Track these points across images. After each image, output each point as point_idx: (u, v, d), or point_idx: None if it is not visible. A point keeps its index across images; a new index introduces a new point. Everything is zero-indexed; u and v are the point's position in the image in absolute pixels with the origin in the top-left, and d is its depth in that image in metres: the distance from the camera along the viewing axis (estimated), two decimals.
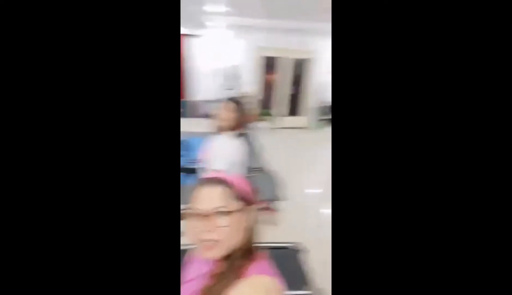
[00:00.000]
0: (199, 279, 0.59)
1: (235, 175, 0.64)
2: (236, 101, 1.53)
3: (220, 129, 1.56)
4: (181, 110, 5.32)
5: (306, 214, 2.79)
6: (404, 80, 0.36)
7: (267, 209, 2.58)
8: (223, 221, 0.55)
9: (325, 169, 4.14)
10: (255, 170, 2.71)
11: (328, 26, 3.44)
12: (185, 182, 1.56)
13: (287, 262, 1.84)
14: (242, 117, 1.51)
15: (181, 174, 1.96)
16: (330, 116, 6.55)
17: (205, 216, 0.54)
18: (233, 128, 1.51)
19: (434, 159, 0.36)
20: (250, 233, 0.61)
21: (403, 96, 0.37)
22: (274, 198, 2.67)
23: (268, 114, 5.99)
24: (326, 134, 6.05)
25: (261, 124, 5.94)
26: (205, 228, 0.54)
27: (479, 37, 0.34)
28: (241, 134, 1.52)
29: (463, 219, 0.35)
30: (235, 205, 0.57)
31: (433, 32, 0.35)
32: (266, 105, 6.09)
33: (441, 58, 0.35)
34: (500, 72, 0.33)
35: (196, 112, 5.54)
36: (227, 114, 1.50)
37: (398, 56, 0.36)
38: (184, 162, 2.24)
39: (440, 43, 0.35)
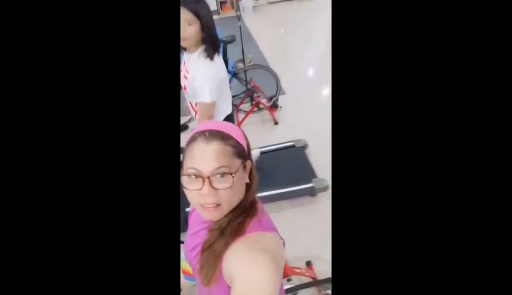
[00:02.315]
0: (202, 232, 0.57)
1: (231, 126, 0.56)
2: (192, 8, 1.05)
3: (186, 50, 1.19)
4: None
5: (306, 104, 2.72)
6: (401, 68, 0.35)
7: (269, 108, 2.53)
8: (225, 183, 0.49)
9: (322, 46, 3.90)
10: (249, 68, 2.60)
11: None
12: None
13: (295, 159, 1.99)
14: (206, 26, 1.09)
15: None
16: None
17: (205, 178, 0.48)
18: (199, 43, 1.13)
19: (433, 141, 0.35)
20: (250, 188, 0.57)
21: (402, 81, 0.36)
22: (274, 95, 2.57)
23: None
24: (316, 3, 5.34)
25: (245, 3, 5.14)
26: (206, 192, 0.48)
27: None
28: (211, 46, 1.14)
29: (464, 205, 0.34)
30: (236, 163, 0.51)
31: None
32: None
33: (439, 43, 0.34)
34: (500, 72, 0.33)
35: None
36: (183, 29, 1.06)
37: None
38: None
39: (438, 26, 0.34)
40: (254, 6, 5.17)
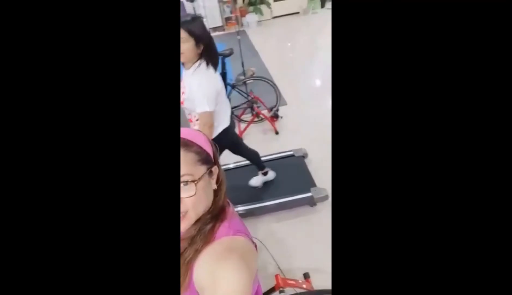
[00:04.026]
0: None
1: (194, 132, 0.55)
2: (186, 28, 1.13)
3: (184, 63, 1.22)
4: None
5: (308, 115, 2.71)
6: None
7: (269, 118, 2.56)
8: (188, 191, 0.49)
9: (326, 58, 3.91)
10: (250, 79, 2.64)
11: None
12: None
13: (294, 168, 1.97)
14: (201, 43, 1.16)
15: None
16: None
17: None
18: (195, 58, 1.19)
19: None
20: (218, 194, 0.56)
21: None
22: (274, 106, 2.60)
23: (254, 3, 5.23)
24: (321, 17, 5.44)
25: (249, 19, 5.29)
26: None
27: None
28: (209, 60, 1.20)
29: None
30: (200, 170, 0.50)
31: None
32: None
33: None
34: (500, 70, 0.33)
35: None
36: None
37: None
38: None
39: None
40: (258, 21, 5.31)
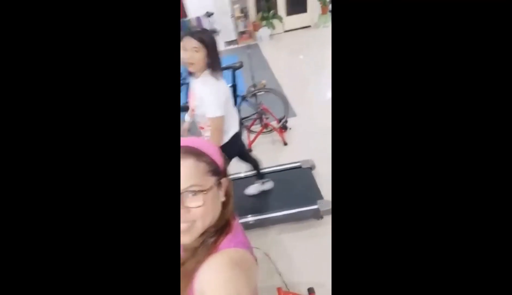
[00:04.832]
0: None
1: (206, 142, 0.55)
2: (199, 37, 1.19)
3: (193, 72, 1.28)
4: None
5: (317, 127, 2.71)
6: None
7: (278, 130, 2.59)
8: (197, 201, 0.48)
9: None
10: (259, 90, 2.68)
11: None
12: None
13: (301, 180, 1.95)
14: (211, 53, 1.21)
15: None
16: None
17: None
18: (204, 68, 1.25)
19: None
20: (225, 207, 0.56)
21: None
22: (283, 118, 2.62)
23: (267, 18, 5.36)
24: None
25: (262, 32, 5.42)
26: None
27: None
28: (216, 71, 1.26)
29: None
30: (209, 181, 0.50)
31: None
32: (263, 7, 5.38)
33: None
34: (500, 71, 0.33)
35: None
36: (191, 55, 1.20)
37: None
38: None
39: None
40: (271, 35, 5.42)
